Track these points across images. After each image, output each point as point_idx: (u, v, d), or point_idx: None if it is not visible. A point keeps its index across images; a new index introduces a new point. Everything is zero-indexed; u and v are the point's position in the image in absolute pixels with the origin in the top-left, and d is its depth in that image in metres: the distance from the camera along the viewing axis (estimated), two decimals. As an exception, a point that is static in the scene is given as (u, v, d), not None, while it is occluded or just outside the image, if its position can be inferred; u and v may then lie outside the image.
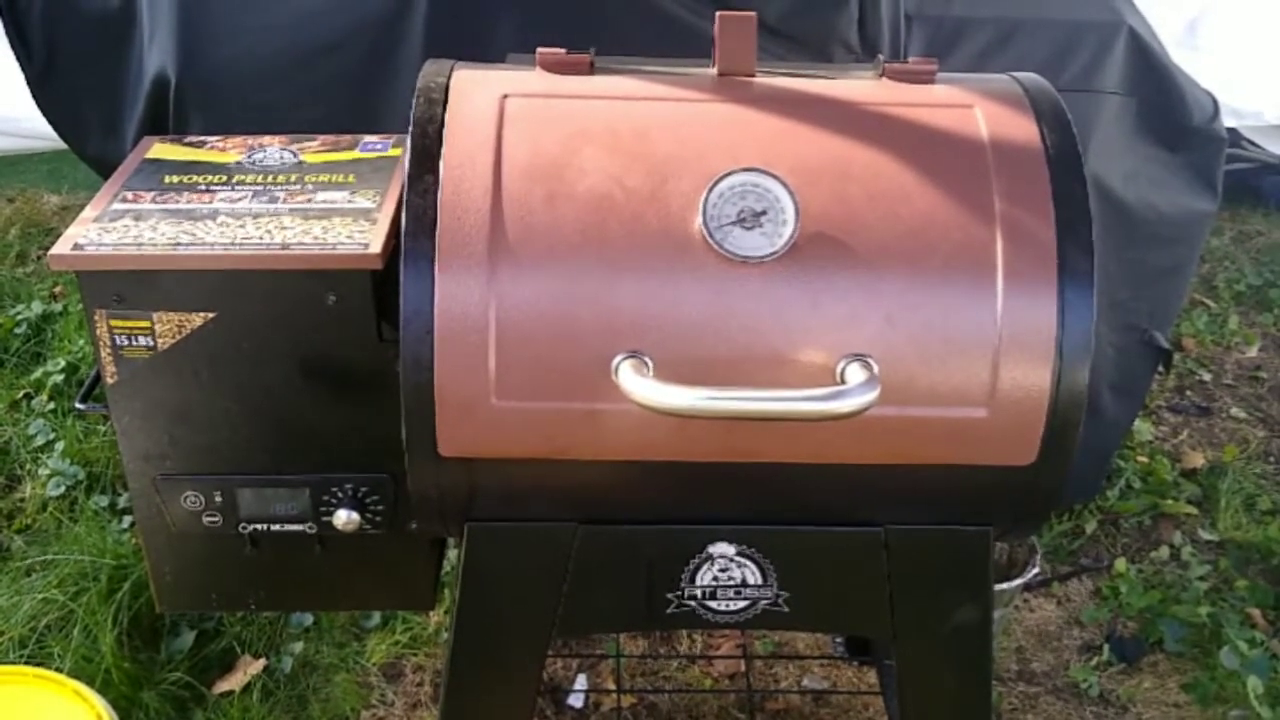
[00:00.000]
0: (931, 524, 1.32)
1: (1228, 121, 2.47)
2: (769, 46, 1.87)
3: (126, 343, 1.33)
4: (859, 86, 1.33)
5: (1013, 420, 1.20)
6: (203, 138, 1.57)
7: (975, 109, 1.28)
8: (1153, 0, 2.37)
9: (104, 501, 2.50)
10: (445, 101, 1.24)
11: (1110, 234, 2.13)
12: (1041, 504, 1.30)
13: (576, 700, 2.12)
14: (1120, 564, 2.43)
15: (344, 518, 1.43)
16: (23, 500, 2.54)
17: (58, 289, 3.31)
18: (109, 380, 1.36)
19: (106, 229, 1.31)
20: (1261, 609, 2.33)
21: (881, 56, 1.40)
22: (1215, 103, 2.22)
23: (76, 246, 1.29)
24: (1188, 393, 3.05)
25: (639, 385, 1.12)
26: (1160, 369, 2.38)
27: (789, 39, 1.92)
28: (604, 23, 1.85)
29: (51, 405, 2.82)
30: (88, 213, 1.35)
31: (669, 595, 1.36)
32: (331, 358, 1.35)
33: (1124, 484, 2.63)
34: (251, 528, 1.45)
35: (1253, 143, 3.57)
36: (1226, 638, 2.20)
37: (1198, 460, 2.75)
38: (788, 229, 1.16)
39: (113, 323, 1.32)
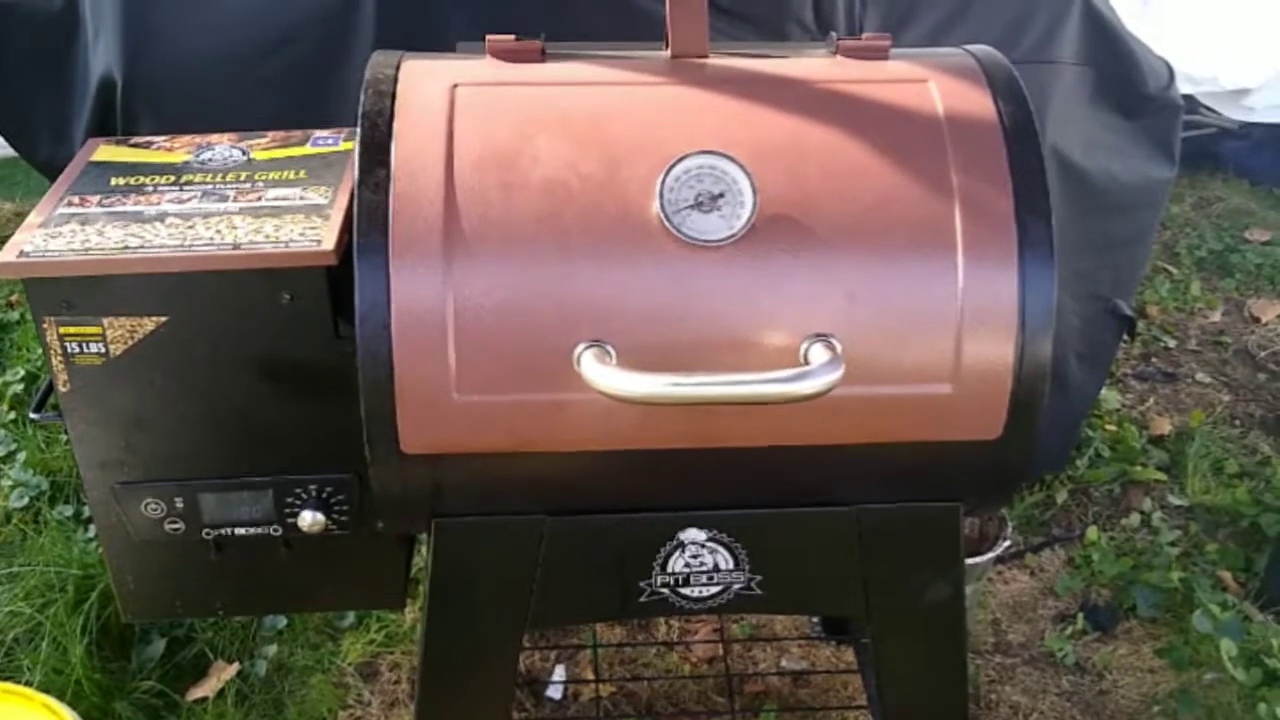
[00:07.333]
0: (901, 501, 1.31)
1: (1183, 89, 2.48)
2: (722, 27, 1.86)
3: (78, 350, 1.30)
4: (813, 65, 1.32)
5: (977, 395, 1.20)
6: (149, 138, 1.54)
7: (930, 83, 1.27)
8: (1106, -30, 2.38)
9: (69, 511, 2.46)
10: (394, 93, 1.22)
11: (1070, 203, 2.13)
12: (1009, 477, 1.30)
13: (555, 692, 2.11)
14: (1092, 533, 2.44)
15: (309, 519, 1.41)
16: (-15, 513, 2.51)
17: (14, 297, 3.25)
18: (62, 389, 1.33)
19: (52, 234, 1.29)
20: (1232, 572, 2.35)
21: (835, 34, 1.39)
22: (1170, 70, 2.23)
23: (22, 254, 1.26)
24: (1153, 360, 3.07)
25: (601, 374, 1.11)
26: (1125, 337, 2.39)
27: (742, 19, 1.90)
28: (556, 10, 1.82)
29: (12, 415, 2.77)
30: (33, 218, 1.32)
31: (641, 584, 1.35)
32: (289, 357, 1.33)
33: (1093, 453, 2.65)
34: (215, 533, 1.43)
35: (1210, 109, 3.60)
36: (1199, 602, 2.22)
37: (1165, 426, 2.77)
38: (745, 211, 1.15)
39: (63, 330, 1.29)
